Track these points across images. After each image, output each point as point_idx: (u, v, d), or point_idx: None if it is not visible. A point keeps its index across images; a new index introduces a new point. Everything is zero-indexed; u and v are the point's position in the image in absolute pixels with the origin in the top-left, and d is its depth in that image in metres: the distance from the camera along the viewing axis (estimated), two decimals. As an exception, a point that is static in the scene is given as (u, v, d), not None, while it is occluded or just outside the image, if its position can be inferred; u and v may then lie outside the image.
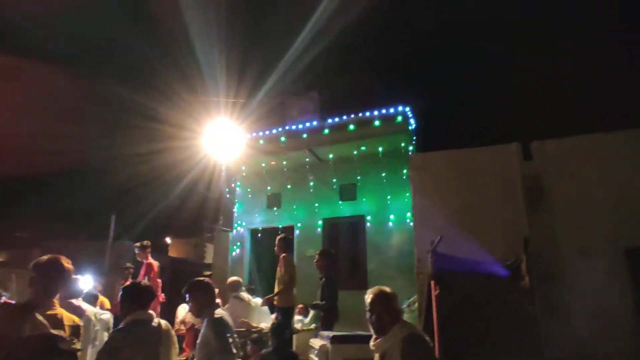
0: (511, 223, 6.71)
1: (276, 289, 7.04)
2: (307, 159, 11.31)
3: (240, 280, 8.43)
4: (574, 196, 6.67)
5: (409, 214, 9.92)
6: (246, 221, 12.30)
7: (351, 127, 10.24)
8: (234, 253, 12.20)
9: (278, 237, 7.42)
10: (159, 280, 8.57)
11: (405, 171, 9.87)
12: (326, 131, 10.54)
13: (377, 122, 9.99)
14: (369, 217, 10.77)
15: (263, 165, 11.87)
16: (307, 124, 10.93)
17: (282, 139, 10.98)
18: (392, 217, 10.48)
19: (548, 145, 7.06)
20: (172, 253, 21.23)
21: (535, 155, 7.10)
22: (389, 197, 10.53)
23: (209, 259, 18.72)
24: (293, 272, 7.10)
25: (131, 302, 3.86)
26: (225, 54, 12.57)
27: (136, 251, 8.49)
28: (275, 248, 7.33)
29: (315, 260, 7.21)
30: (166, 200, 15.96)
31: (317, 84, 12.92)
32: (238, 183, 12.86)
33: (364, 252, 10.59)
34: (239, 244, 12.25)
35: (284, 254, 7.20)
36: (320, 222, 11.30)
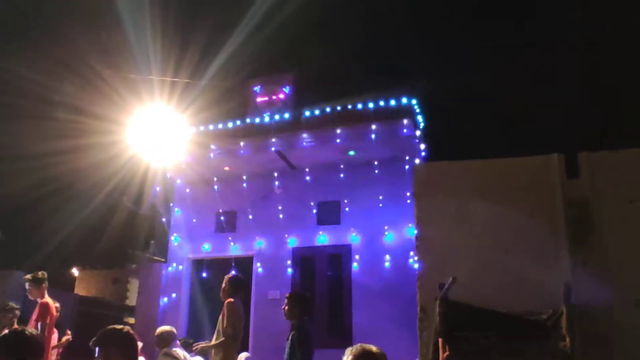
0: (549, 263, 6.75)
1: (213, 342, 7.13)
2: (275, 165, 11.28)
3: (174, 331, 8.30)
4: (635, 229, 6.74)
5: (412, 253, 9.93)
6: (187, 249, 12.18)
7: (336, 122, 10.26)
8: (167, 296, 12.04)
9: (226, 278, 7.45)
10: (55, 331, 8.37)
11: (408, 193, 9.87)
12: (302, 128, 10.52)
13: (372, 118, 10.02)
14: (357, 249, 10.76)
15: (213, 173, 11.80)
16: (277, 117, 10.91)
17: (241, 136, 10.92)
18: (387, 244, 10.52)
19: (601, 159, 7.13)
20: (81, 290, 20.84)
21: (584, 172, 7.17)
22: (386, 226, 10.56)
23: (132, 299, 18.43)
24: (239, 324, 7.20)
25: (8, 358, 3.73)
26: (161, 11, 12.51)
27: (27, 286, 8.25)
28: (221, 292, 7.36)
29: (283, 307, 7.17)
30: (75, 217, 15.75)
31: (292, 62, 12.98)
32: (177, 195, 12.71)
33: (349, 296, 10.57)
34: (173, 279, 12.09)
35: (229, 300, 7.25)
36: (289, 253, 11.26)
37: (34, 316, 8.06)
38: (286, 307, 7.17)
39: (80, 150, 12.28)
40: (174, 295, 11.96)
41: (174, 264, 12.18)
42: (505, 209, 7.28)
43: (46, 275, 8.36)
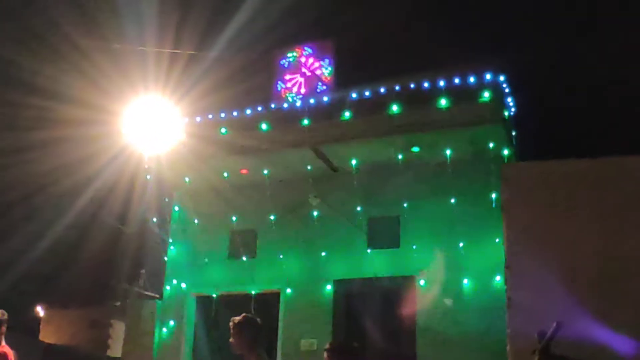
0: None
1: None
2: (309, 167, 11.33)
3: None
4: None
5: (498, 278, 9.83)
6: (189, 281, 12.26)
7: (394, 108, 10.25)
8: (163, 340, 12.11)
9: (235, 321, 7.38)
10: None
11: (494, 196, 9.77)
12: (347, 114, 10.56)
13: (443, 101, 10.00)
14: (422, 282, 10.71)
15: (225, 175, 11.89)
16: (312, 100, 10.92)
17: (264, 126, 10.98)
18: (465, 281, 10.42)
19: None
20: (48, 336, 21.01)
21: None
22: (461, 244, 10.47)
23: (115, 349, 18.51)
24: None
25: None
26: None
27: (-21, 330, 8.42)
28: (231, 340, 7.30)
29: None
30: (40, 238, 15.95)
31: (332, 26, 12.96)
32: (176, 207, 12.80)
33: (412, 347, 10.50)
34: (172, 323, 12.16)
35: (252, 353, 7.18)
36: (329, 288, 11.26)
37: (-13, 369, 8.18)
38: (324, 361, 7.11)
39: (47, 145, 12.48)
40: (171, 343, 12.00)
41: (172, 301, 12.22)
42: (624, 219, 7.19)
43: (6, 316, 8.49)
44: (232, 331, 7.30)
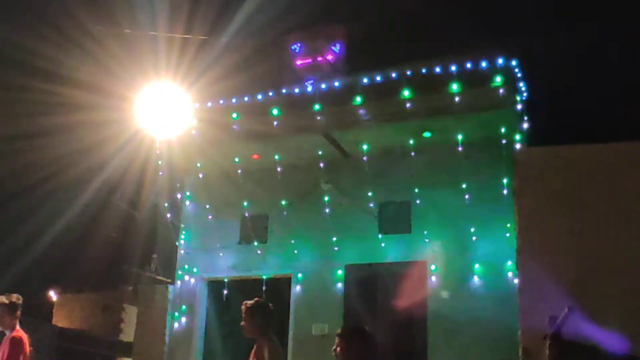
0: None
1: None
2: (321, 152, 11.35)
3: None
4: None
5: (509, 262, 9.81)
6: (201, 266, 12.32)
7: (406, 92, 10.20)
8: (176, 324, 12.18)
9: (247, 305, 7.37)
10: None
11: (506, 181, 9.76)
12: (358, 99, 10.51)
13: (454, 85, 9.93)
14: (433, 267, 10.73)
15: (236, 161, 11.90)
16: (323, 85, 10.89)
17: (274, 111, 10.95)
18: (477, 266, 10.44)
19: None
20: (60, 320, 21.12)
21: None
22: (472, 228, 10.47)
23: (128, 333, 18.59)
24: None
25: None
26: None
27: (-5, 313, 8.47)
28: (243, 323, 7.30)
29: (334, 347, 7.13)
30: (53, 222, 16.01)
31: (343, 11, 12.92)
32: (188, 193, 12.83)
33: (423, 332, 10.54)
34: (184, 307, 12.24)
35: (264, 338, 7.18)
36: (340, 273, 11.29)
37: (2, 353, 8.23)
38: (339, 348, 7.10)
39: (59, 131, 12.51)
40: (184, 327, 12.06)
41: (184, 286, 12.28)
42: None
43: (21, 300, 8.54)
44: (243, 315, 7.32)
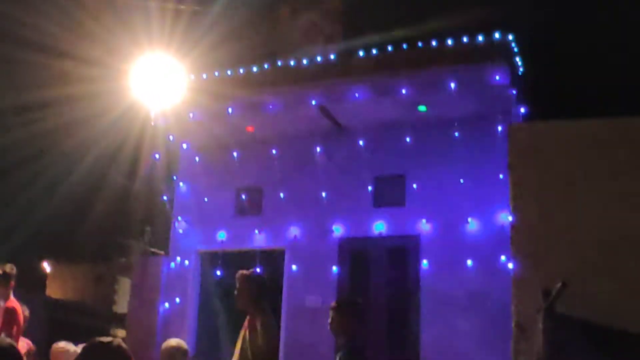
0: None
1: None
2: (315, 125, 11.31)
3: (185, 347, 8.39)
4: None
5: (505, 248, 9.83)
6: (196, 238, 12.32)
7: (402, 66, 10.23)
8: (169, 296, 12.20)
9: (242, 275, 7.40)
10: (28, 342, 8.51)
11: (501, 156, 9.71)
12: (354, 74, 10.47)
13: (451, 60, 9.94)
14: (427, 241, 10.74)
15: (232, 135, 11.87)
16: (318, 58, 10.86)
17: (270, 85, 10.93)
18: (471, 235, 10.46)
19: None
20: (54, 291, 21.21)
21: None
22: (469, 210, 10.48)
23: (121, 305, 18.69)
24: (275, 342, 7.22)
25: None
26: None
27: (-11, 282, 8.48)
28: (237, 294, 7.33)
29: (329, 319, 7.18)
30: (48, 194, 16.02)
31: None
32: (183, 165, 12.80)
33: (416, 305, 10.55)
34: (178, 279, 12.24)
35: (257, 309, 7.21)
36: (334, 246, 11.29)
37: (-4, 322, 8.25)
38: (333, 320, 7.16)
39: (53, 104, 12.46)
40: (177, 300, 12.11)
41: (178, 258, 12.32)
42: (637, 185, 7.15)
43: (15, 270, 8.54)
44: (238, 284, 7.35)
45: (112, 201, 14.78)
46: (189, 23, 11.53)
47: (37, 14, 12.82)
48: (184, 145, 12.62)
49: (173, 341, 8.42)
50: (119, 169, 13.10)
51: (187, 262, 12.26)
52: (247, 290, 7.38)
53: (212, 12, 11.69)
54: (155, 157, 12.34)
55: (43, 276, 21.92)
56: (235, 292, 7.33)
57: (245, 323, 7.28)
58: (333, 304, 7.37)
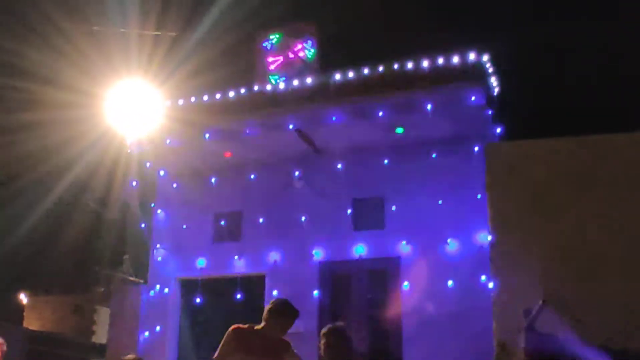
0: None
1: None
2: (293, 149, 11.34)
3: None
4: None
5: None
6: (174, 265, 12.27)
7: (378, 89, 10.30)
8: (149, 325, 12.11)
9: (270, 307, 7.12)
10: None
11: (478, 177, 9.80)
12: (331, 98, 10.57)
13: (427, 83, 10.02)
14: (407, 263, 10.76)
15: (209, 161, 11.88)
16: (295, 82, 10.91)
17: (247, 111, 10.98)
18: (451, 256, 10.49)
19: None
20: (31, 322, 21.01)
21: None
22: (448, 232, 10.52)
23: (100, 335, 18.50)
24: None
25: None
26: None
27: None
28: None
29: (323, 344, 7.05)
30: (22, 223, 15.88)
31: (315, 7, 12.91)
32: (159, 191, 12.77)
33: (397, 327, 10.57)
34: (157, 308, 12.17)
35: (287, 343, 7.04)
36: (315, 270, 11.31)
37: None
38: (328, 345, 7.02)
39: (27, 128, 12.40)
40: (158, 328, 12.02)
41: (158, 286, 12.25)
42: (617, 201, 7.22)
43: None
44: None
45: (88, 229, 14.67)
46: (166, 50, 11.57)
47: (13, 39, 12.81)
48: (161, 172, 12.58)
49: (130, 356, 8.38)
50: (94, 197, 13.01)
51: (166, 289, 12.20)
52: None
53: (190, 39, 11.75)
54: (131, 184, 12.29)
55: (19, 308, 21.71)
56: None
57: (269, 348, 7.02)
58: (325, 330, 7.28)
